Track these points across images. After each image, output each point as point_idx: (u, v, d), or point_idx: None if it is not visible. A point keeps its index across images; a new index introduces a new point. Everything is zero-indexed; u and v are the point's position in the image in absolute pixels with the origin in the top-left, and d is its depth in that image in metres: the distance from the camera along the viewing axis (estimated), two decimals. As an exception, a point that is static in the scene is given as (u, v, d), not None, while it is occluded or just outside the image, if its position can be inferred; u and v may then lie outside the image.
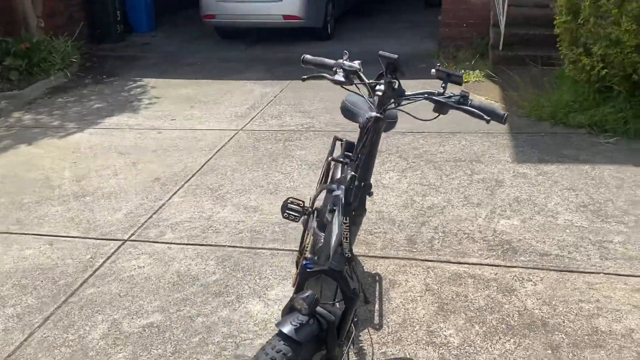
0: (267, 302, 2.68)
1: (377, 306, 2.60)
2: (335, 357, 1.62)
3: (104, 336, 2.51)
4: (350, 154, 2.50)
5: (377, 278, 2.81)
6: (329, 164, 2.51)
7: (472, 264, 2.86)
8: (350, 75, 1.61)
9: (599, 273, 2.72)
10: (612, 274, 2.70)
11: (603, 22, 4.14)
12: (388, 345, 2.35)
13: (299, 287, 1.73)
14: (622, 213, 3.23)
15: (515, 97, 5.16)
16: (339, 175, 2.51)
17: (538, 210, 3.31)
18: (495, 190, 3.59)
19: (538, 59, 6.14)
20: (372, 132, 1.49)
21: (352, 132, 4.66)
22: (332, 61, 1.73)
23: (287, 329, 1.54)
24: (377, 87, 1.55)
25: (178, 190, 3.90)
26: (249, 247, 3.15)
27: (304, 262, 1.73)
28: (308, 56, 1.84)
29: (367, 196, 1.93)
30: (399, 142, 4.47)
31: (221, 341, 2.44)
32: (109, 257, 3.13)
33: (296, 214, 2.44)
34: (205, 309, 2.66)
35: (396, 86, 1.53)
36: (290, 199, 2.44)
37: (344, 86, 1.65)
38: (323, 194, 2.35)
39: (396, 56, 1.55)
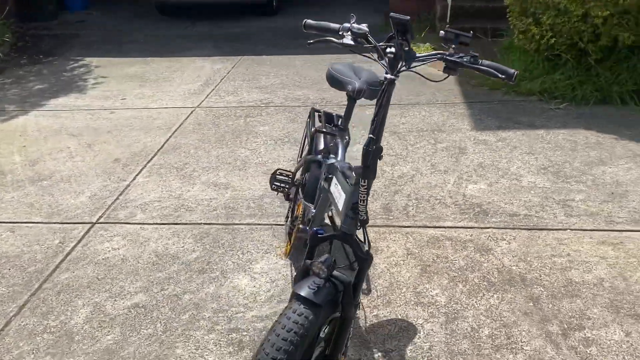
0: (253, 275, 2.68)
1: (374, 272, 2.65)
2: (350, 317, 1.66)
3: (88, 320, 2.44)
4: (335, 124, 2.54)
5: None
6: (312, 136, 2.51)
7: (448, 227, 2.97)
8: (359, 39, 1.62)
9: (566, 229, 2.89)
10: (578, 230, 2.88)
11: (551, -8, 4.32)
12: (379, 308, 2.41)
13: (310, 254, 1.74)
14: (580, 173, 3.42)
15: (467, 67, 5.31)
16: (322, 146, 2.53)
17: (502, 174, 3.46)
18: (460, 157, 3.72)
19: (487, 31, 6.33)
20: (387, 94, 1.51)
21: (315, 105, 4.68)
22: (336, 25, 1.73)
23: (306, 292, 1.56)
24: (388, 50, 1.57)
25: (141, 170, 3.79)
26: (225, 224, 3.12)
27: (314, 229, 1.74)
28: (310, 21, 1.83)
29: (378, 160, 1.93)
30: (362, 115, 4.49)
31: (212, 316, 2.42)
32: (79, 241, 3.01)
33: (285, 185, 2.45)
34: (190, 286, 2.62)
35: (407, 48, 1.55)
36: (279, 170, 2.44)
37: (355, 51, 1.65)
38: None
39: (408, 18, 1.57)
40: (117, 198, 3.43)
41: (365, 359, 2.16)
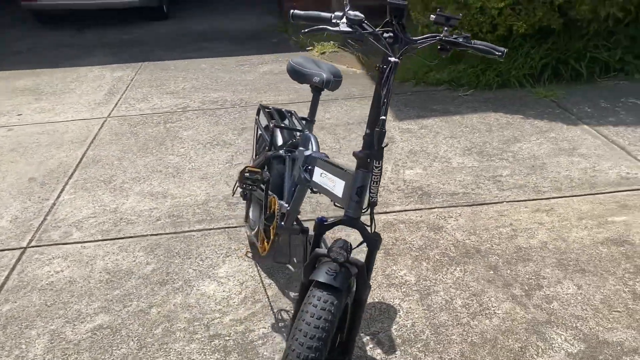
0: (220, 280, 2.60)
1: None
2: (365, 300, 1.69)
3: (49, 350, 2.23)
4: (287, 120, 2.55)
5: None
6: (272, 131, 2.50)
7: (398, 211, 3.09)
8: (355, 26, 1.64)
9: (502, 202, 3.14)
10: (513, 201, 3.13)
11: (451, -13, 4.63)
12: (355, 295, 2.46)
13: (316, 242, 1.75)
14: (500, 151, 3.72)
15: (377, 61, 5.53)
16: (281, 141, 2.53)
17: (433, 158, 3.66)
18: (391, 146, 3.88)
19: (382, 27, 6.63)
20: (392, 76, 1.56)
21: (239, 106, 4.62)
22: (328, 14, 1.74)
23: (326, 278, 1.57)
24: (386, 35, 1.62)
25: (64, 187, 3.51)
26: (175, 233, 2.99)
27: (319, 218, 1.75)
28: (297, 11, 1.82)
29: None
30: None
31: (188, 326, 2.33)
32: (13, 269, 2.74)
33: (254, 183, 2.42)
34: (155, 299, 2.49)
35: (403, 33, 1.60)
36: (247, 168, 2.40)
37: (351, 37, 1.67)
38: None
39: (405, 3, 1.63)
40: (45, 219, 3.16)
41: (354, 345, 2.20)
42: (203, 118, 4.54)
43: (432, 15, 1.65)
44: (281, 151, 2.49)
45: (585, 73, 4.72)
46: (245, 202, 2.95)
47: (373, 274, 2.54)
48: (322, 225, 1.74)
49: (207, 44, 6.91)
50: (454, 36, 1.61)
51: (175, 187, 3.47)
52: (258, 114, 2.87)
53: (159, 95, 5.15)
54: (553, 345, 2.15)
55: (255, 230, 2.63)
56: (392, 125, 4.21)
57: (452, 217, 3.01)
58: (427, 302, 2.40)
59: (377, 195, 1.70)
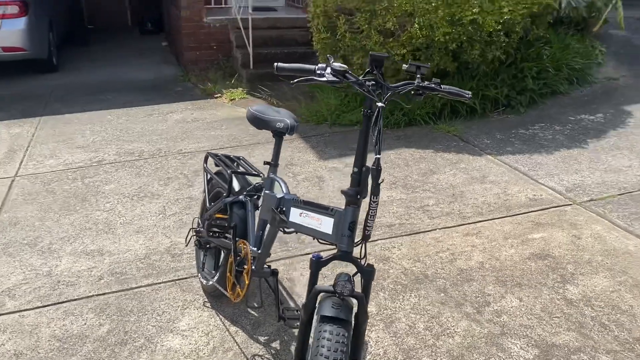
0: (183, 333, 2.55)
1: (292, 304, 2.73)
2: (364, 330, 1.77)
3: None
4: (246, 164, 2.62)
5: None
6: (230, 178, 2.54)
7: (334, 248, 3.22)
8: (339, 76, 1.77)
9: (435, 229, 3.40)
10: (444, 228, 3.41)
11: (357, 36, 5.00)
12: (324, 331, 2.53)
13: (314, 278, 1.82)
14: (422, 183, 4.03)
15: (289, 106, 5.73)
16: (237, 186, 2.58)
17: (363, 195, 3.87)
18: (322, 184, 4.04)
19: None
20: (380, 118, 1.70)
21: (159, 156, 4.54)
22: (311, 65, 1.85)
23: (334, 312, 1.64)
24: (369, 83, 1.76)
25: (-18, 254, 3.23)
26: (123, 290, 2.88)
27: (314, 254, 1.82)
28: (281, 64, 1.91)
29: None
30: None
31: (161, 384, 2.25)
32: (-57, 349, 2.47)
33: (223, 230, 2.44)
34: (119, 361, 2.38)
35: (383, 81, 1.76)
36: (216, 215, 2.42)
37: (336, 86, 1.80)
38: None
39: (387, 55, 1.79)
40: (-32, 290, 2.89)
41: (335, 379, 2.26)
42: (123, 171, 4.41)
43: (404, 65, 1.83)
44: (241, 196, 2.53)
45: (478, 109, 5.26)
46: (195, 252, 2.93)
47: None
48: (319, 262, 1.82)
49: (107, 96, 6.71)
50: (427, 83, 1.81)
51: (110, 243, 3.33)
52: (206, 161, 2.90)
53: (68, 150, 4.91)
54: (512, 354, 2.37)
55: (216, 278, 2.62)
56: (319, 165, 4.38)
57: (395, 247, 3.21)
58: (393, 329, 2.54)
59: (372, 229, 1.82)
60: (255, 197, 2.56)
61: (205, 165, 2.89)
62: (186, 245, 3.00)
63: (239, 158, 2.81)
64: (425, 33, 4.76)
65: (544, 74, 5.51)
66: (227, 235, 2.51)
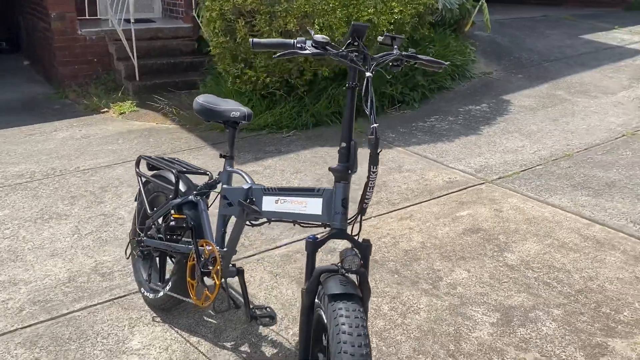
0: (139, 353, 2.31)
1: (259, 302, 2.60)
2: (367, 305, 1.72)
3: None
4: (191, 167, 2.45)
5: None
6: (177, 179, 2.36)
7: (288, 243, 3.15)
8: (320, 48, 1.70)
9: (371, 217, 3.44)
10: (379, 215, 3.47)
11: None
12: (291, 327, 2.44)
13: (311, 260, 1.74)
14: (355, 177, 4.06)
15: (188, 115, 5.51)
16: (184, 187, 2.41)
17: (290, 193, 3.82)
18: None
19: (178, 84, 6.64)
20: (371, 87, 1.66)
21: (55, 176, 4.10)
22: (290, 40, 1.75)
23: (343, 289, 1.58)
24: (350, 55, 1.72)
25: None
26: (53, 318, 2.54)
27: (310, 236, 1.74)
28: (257, 39, 1.79)
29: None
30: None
31: (129, 409, 2.01)
32: None
33: (180, 232, 2.29)
34: (71, 393, 2.09)
35: (367, 51, 1.73)
36: (171, 219, 2.25)
37: (320, 58, 1.73)
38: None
39: (368, 25, 1.76)
40: None
41: None
42: (15, 195, 3.92)
43: (380, 37, 1.84)
44: (191, 197, 2.37)
45: (378, 106, 5.46)
46: (134, 266, 2.69)
47: (296, 304, 2.57)
48: (316, 243, 1.74)
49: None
50: (406, 52, 1.82)
51: (22, 271, 2.93)
52: (137, 165, 2.68)
53: (-61, 178, 4.26)
54: (477, 320, 2.46)
55: (168, 287, 2.42)
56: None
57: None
58: (359, 315, 2.51)
59: (370, 201, 1.78)
60: (205, 196, 2.41)
61: (137, 169, 2.67)
62: (127, 258, 2.73)
63: (174, 159, 2.64)
64: (326, 34, 4.84)
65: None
66: (183, 238, 2.34)
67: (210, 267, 2.19)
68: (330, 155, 4.51)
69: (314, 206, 1.83)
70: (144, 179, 2.64)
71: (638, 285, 2.66)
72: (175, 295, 2.38)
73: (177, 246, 2.35)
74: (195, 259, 2.22)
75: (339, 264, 1.69)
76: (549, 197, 3.64)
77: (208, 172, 2.48)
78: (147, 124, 5.60)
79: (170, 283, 2.42)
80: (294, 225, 1.98)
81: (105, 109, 6.10)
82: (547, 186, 3.81)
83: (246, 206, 2.06)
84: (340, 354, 1.47)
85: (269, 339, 2.38)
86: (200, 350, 2.31)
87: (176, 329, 2.45)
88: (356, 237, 1.77)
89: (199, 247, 2.22)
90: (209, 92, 5.98)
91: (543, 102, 5.70)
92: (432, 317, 2.49)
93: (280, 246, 3.13)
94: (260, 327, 2.46)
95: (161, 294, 2.47)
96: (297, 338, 2.38)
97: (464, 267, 2.87)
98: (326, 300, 1.61)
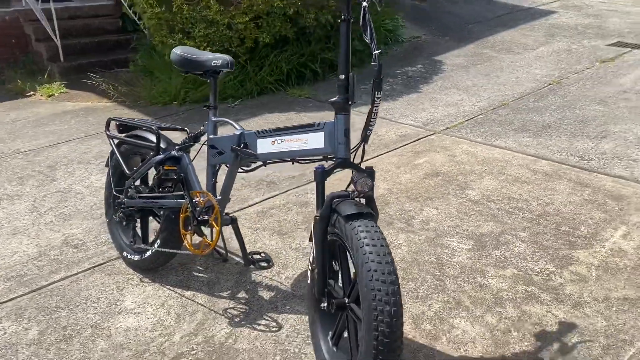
0: (135, 311, 2.29)
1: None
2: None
3: None
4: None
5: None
6: (158, 136, 2.33)
7: (260, 201, 3.19)
8: None
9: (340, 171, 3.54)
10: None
11: (196, 8, 4.85)
12: (283, 274, 2.50)
13: (321, 188, 1.80)
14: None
15: (128, 92, 5.33)
16: (164, 144, 2.39)
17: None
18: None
19: (107, 63, 6.37)
20: (369, 15, 1.72)
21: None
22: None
23: (357, 209, 1.66)
24: None
25: None
26: (33, 290, 2.46)
27: (317, 166, 1.80)
28: None
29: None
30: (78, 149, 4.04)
31: (148, 357, 2.01)
32: None
33: (173, 184, 2.29)
34: (72, 355, 2.05)
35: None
36: (164, 167, 2.24)
37: None
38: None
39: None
40: None
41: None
42: (-46, 180, 3.67)
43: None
44: (173, 152, 2.36)
45: (320, 72, 5.55)
46: (112, 232, 2.63)
47: (286, 254, 2.64)
48: (324, 172, 1.81)
49: None
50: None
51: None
52: (107, 127, 2.61)
53: None
54: (454, 248, 2.64)
55: (158, 244, 2.39)
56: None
57: (308, 193, 3.27)
58: (345, 255, 2.62)
59: (373, 128, 1.86)
60: (186, 151, 2.41)
61: (108, 132, 2.60)
62: (113, 217, 2.61)
63: (145, 120, 2.60)
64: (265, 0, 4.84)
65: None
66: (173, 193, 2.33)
67: (207, 216, 2.21)
68: (281, 120, 4.55)
69: (315, 140, 1.89)
70: (116, 141, 2.58)
71: (588, 206, 2.95)
72: (167, 250, 2.37)
73: (166, 201, 2.33)
74: (191, 210, 2.22)
75: (347, 190, 1.77)
76: (495, 141, 3.90)
77: (185, 129, 2.48)
78: (82, 104, 5.37)
79: (159, 240, 2.40)
80: (292, 163, 2.04)
81: (32, 92, 5.77)
82: (491, 132, 4.07)
83: (241, 151, 2.09)
84: (367, 264, 1.55)
85: (264, 284, 2.44)
86: (197, 302, 2.33)
87: (168, 287, 2.45)
88: (360, 164, 1.85)
89: (194, 197, 2.23)
90: (141, 69, 5.83)
91: (472, 60, 6.02)
92: (413, 250, 2.64)
93: (253, 204, 3.16)
94: (253, 275, 2.50)
95: (149, 253, 2.44)
96: (291, 281, 2.46)
97: (432, 206, 3.05)
98: (342, 222, 1.69)
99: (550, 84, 5.08)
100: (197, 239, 2.33)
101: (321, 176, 1.81)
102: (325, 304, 1.79)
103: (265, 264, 2.28)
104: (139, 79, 5.71)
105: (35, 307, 2.34)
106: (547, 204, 2.99)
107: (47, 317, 2.27)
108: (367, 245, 1.59)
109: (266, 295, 2.36)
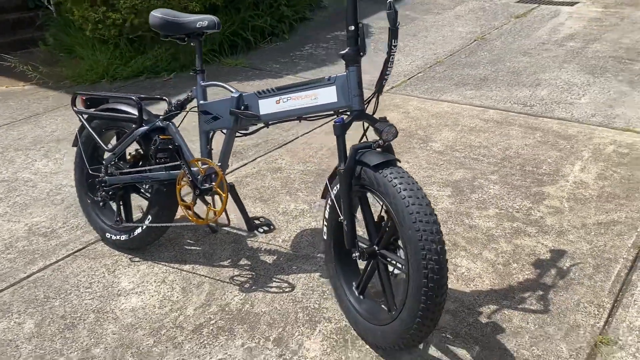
0: (135, 291, 2.19)
1: (234, 223, 2.58)
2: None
3: None
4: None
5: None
6: (139, 107, 2.21)
7: (231, 171, 3.12)
8: None
9: (298, 136, 3.53)
10: (305, 134, 3.57)
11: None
12: (277, 237, 2.50)
13: (342, 141, 1.80)
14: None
15: (49, 72, 4.92)
16: (146, 115, 2.27)
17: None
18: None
19: (12, 44, 5.83)
20: None
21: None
22: None
23: (384, 157, 1.70)
24: None
25: None
26: (12, 285, 2.27)
27: (336, 120, 1.79)
28: None
29: None
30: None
31: (161, 338, 1.94)
32: None
33: (167, 154, 2.19)
34: (82, 343, 1.93)
35: None
36: (160, 137, 2.12)
37: None
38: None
39: None
40: None
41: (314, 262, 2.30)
42: None
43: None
44: (157, 122, 2.25)
45: (252, 40, 5.44)
46: (91, 215, 2.48)
47: (281, 207, 2.63)
48: (344, 125, 1.81)
49: None
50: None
51: (-61, 251, 2.52)
52: (74, 103, 2.42)
53: None
54: (435, 194, 2.76)
55: (149, 220, 2.29)
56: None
57: (278, 158, 3.25)
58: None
59: (389, 77, 1.88)
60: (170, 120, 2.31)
61: (75, 107, 2.42)
62: (94, 198, 2.44)
63: (115, 92, 2.45)
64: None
65: (292, 1, 5.98)
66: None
67: (207, 185, 2.14)
68: (223, 90, 4.43)
69: (327, 95, 1.88)
70: (85, 116, 2.40)
71: (543, 147, 3.18)
72: (160, 225, 2.27)
73: (158, 174, 2.23)
74: (191, 180, 2.14)
75: (367, 141, 1.80)
76: (441, 96, 4.06)
77: (164, 98, 2.37)
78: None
79: (150, 215, 2.29)
80: (299, 122, 2.03)
81: None
82: (435, 88, 4.23)
83: (242, 114, 2.04)
84: (408, 207, 1.60)
85: (263, 249, 2.42)
86: (200, 274, 2.27)
87: (162, 263, 2.36)
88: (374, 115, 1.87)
89: (192, 165, 2.15)
90: (57, 47, 5.41)
91: (397, 22, 6.16)
92: (398, 202, 2.72)
93: (227, 173, 3.08)
94: (249, 241, 2.47)
95: (138, 230, 2.33)
96: (289, 243, 2.46)
97: (403, 160, 3.14)
98: (371, 173, 1.71)
99: (475, 40, 5.34)
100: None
101: (341, 129, 1.81)
102: (357, 254, 1.82)
103: (267, 228, 2.27)
104: (57, 58, 5.30)
105: (21, 300, 2.17)
106: (506, 149, 3.19)
107: (39, 308, 2.12)
108: (405, 190, 1.63)
109: (269, 259, 2.35)
